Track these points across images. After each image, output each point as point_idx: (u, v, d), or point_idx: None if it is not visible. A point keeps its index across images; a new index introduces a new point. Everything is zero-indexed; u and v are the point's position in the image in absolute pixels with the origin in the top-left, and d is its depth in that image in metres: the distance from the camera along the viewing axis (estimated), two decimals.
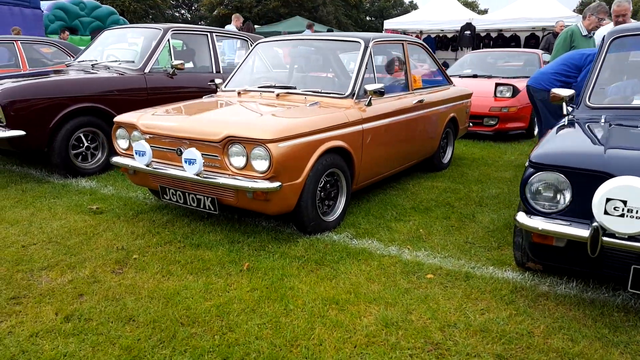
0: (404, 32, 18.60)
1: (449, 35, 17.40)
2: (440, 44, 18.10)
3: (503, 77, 7.29)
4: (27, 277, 2.68)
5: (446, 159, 5.17)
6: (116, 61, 5.30)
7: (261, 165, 2.92)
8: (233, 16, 10.28)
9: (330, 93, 3.68)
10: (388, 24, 17.21)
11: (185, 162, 3.03)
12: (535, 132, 6.90)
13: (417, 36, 17.34)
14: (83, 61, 5.62)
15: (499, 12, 15.88)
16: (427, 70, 5.27)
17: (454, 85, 5.21)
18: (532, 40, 16.61)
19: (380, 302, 2.43)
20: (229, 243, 3.15)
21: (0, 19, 15.97)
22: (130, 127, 3.46)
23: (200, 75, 5.62)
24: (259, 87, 4.00)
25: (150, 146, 3.23)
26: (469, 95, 5.44)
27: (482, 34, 16.33)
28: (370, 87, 3.56)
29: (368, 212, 3.76)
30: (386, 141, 3.87)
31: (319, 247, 3.09)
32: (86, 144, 4.71)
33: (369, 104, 3.64)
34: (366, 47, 3.82)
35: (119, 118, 3.57)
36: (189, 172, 3.03)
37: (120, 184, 4.46)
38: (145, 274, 2.72)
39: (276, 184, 2.90)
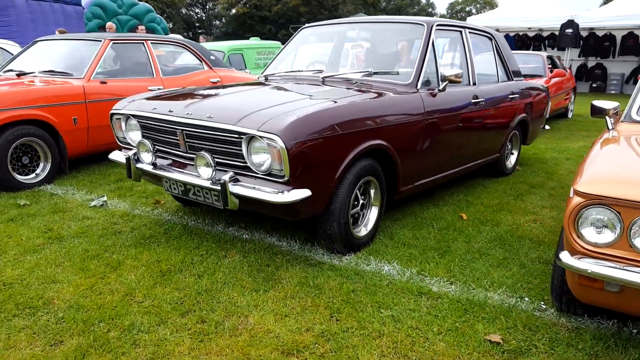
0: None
1: (545, 34, 15.79)
2: (521, 43, 16.48)
3: None
4: None
5: None
6: (363, 72, 3.64)
7: None
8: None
9: None
10: (472, 21, 15.56)
11: None
12: None
13: None
14: (291, 71, 3.98)
15: (607, 8, 14.22)
16: None
17: None
18: (631, 39, 14.98)
19: None
20: None
21: (41, 16, 14.75)
22: None
23: (461, 91, 3.95)
24: None
25: None
26: None
27: (584, 33, 14.72)
28: None
29: None
30: None
31: None
32: (361, 201, 3.07)
33: None
34: None
35: (608, 190, 1.90)
36: None
37: (431, 267, 2.81)
38: None
39: None
